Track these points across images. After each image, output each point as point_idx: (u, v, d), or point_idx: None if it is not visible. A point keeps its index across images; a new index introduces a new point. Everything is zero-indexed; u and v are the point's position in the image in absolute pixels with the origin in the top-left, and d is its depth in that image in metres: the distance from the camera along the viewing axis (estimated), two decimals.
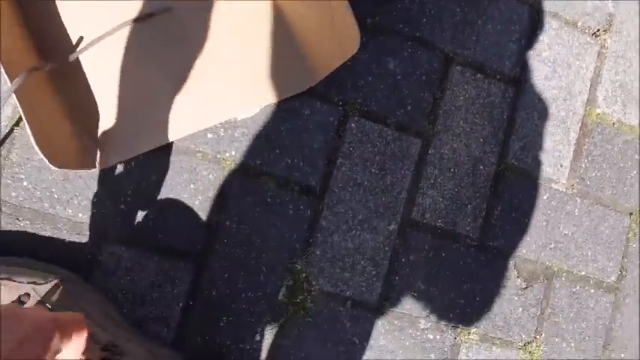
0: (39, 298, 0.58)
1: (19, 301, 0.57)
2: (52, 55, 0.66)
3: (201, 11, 0.71)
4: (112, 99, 0.69)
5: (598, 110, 0.90)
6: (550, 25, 0.87)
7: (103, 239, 0.69)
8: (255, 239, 0.74)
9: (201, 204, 0.72)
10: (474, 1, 0.84)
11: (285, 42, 0.73)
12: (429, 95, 0.81)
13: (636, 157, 0.92)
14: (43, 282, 0.60)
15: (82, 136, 0.66)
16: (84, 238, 0.68)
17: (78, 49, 0.66)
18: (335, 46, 0.68)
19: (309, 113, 0.76)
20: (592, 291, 0.88)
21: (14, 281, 0.59)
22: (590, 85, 0.89)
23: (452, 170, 0.82)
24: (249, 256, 0.73)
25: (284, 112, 0.75)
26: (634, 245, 0.91)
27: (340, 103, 0.77)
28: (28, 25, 0.65)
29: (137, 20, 0.69)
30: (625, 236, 0.91)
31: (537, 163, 0.86)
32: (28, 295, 0.58)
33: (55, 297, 0.59)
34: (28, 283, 0.59)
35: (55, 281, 0.60)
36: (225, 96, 0.72)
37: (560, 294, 0.87)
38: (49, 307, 0.58)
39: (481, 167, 0.83)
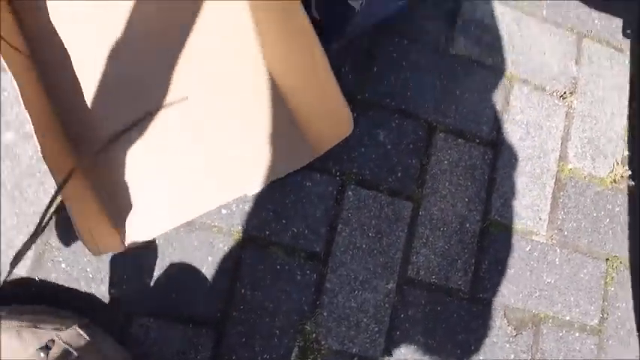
0: (64, 346, 0.62)
1: (46, 347, 0.60)
2: (82, 148, 0.74)
3: (213, 98, 0.80)
4: (136, 184, 0.76)
5: (570, 165, 0.97)
6: (521, 90, 0.96)
7: (133, 312, 0.75)
8: (267, 304, 0.80)
9: (218, 274, 0.78)
10: (451, 74, 0.92)
11: (286, 125, 0.82)
12: (416, 161, 0.89)
13: (608, 206, 0.99)
14: (64, 328, 0.63)
15: (110, 219, 0.74)
16: (116, 312, 0.74)
17: (106, 143, 0.74)
18: (330, 126, 0.75)
19: (311, 185, 0.84)
20: (577, 334, 0.94)
21: (39, 328, 0.62)
22: (561, 142, 0.97)
23: (441, 229, 0.89)
24: (263, 321, 0.79)
25: (288, 185, 0.82)
26: (612, 289, 0.98)
27: (337, 174, 0.85)
28: (63, 128, 0.73)
29: (156, 111, 0.77)
30: (603, 281, 0.97)
31: (518, 218, 0.93)
32: (53, 340, 0.61)
33: (80, 342, 0.63)
34: (53, 329, 0.63)
35: (75, 326, 0.64)
36: (235, 175, 0.80)
37: (548, 339, 0.92)
38: (75, 354, 0.62)
39: (467, 225, 0.91)
